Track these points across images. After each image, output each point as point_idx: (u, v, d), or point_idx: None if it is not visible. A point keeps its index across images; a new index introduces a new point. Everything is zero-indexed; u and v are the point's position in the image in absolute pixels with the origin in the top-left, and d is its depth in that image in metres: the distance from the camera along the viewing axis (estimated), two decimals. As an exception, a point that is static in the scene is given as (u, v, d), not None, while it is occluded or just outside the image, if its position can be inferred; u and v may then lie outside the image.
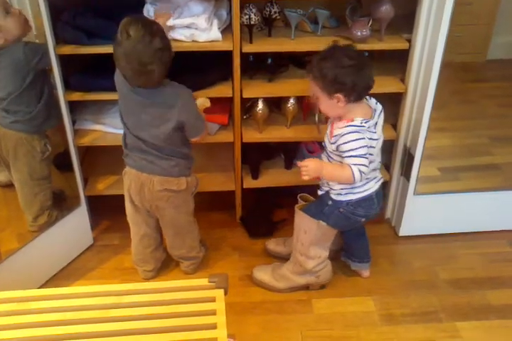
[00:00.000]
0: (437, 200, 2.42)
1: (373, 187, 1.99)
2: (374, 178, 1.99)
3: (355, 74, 1.78)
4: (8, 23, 1.90)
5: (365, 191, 1.97)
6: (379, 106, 1.93)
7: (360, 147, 1.80)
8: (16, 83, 1.97)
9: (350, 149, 1.80)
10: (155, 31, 1.77)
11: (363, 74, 1.80)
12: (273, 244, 2.38)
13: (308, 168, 1.86)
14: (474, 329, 2.06)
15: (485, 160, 2.71)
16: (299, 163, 1.89)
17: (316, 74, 1.83)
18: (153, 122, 1.91)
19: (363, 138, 1.81)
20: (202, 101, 2.11)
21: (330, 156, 1.95)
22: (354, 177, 1.81)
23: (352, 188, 1.94)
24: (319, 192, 2.05)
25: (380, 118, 1.92)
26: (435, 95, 2.12)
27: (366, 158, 1.81)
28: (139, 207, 2.10)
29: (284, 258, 2.25)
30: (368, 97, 1.93)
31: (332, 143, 1.87)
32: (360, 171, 1.81)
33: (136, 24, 1.74)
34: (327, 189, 2.00)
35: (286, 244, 2.34)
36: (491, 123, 2.89)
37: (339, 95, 1.81)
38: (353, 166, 1.80)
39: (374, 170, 1.97)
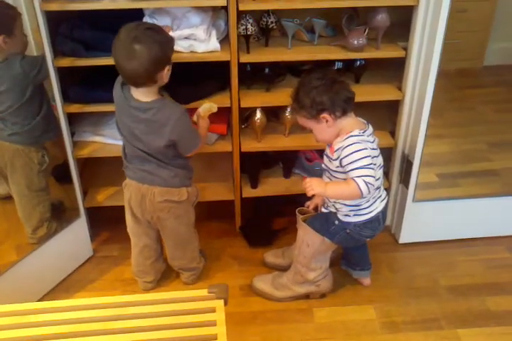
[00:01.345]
0: (436, 207, 2.42)
1: (379, 206, 1.97)
2: (378, 197, 1.97)
3: (328, 91, 1.81)
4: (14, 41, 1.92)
5: (371, 212, 1.95)
6: (371, 126, 1.92)
7: (363, 157, 1.77)
8: (16, 97, 1.97)
9: (352, 161, 1.77)
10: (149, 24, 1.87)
11: (336, 89, 1.82)
12: (271, 257, 2.37)
13: (311, 182, 1.83)
14: (475, 336, 2.06)
15: (483, 166, 2.72)
16: (303, 183, 1.86)
17: (296, 107, 1.88)
18: (146, 137, 1.91)
19: (365, 149, 1.79)
20: (208, 106, 2.08)
21: (333, 176, 1.92)
22: (361, 190, 1.74)
23: (359, 210, 1.93)
24: (323, 210, 2.05)
25: (374, 137, 1.92)
26: (432, 102, 2.13)
27: (371, 168, 1.77)
28: (139, 219, 2.10)
29: (285, 269, 2.24)
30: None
31: (334, 160, 1.85)
32: (366, 182, 1.74)
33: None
34: (334, 211, 1.99)
35: (285, 255, 2.33)
36: (488, 129, 2.90)
37: (324, 115, 1.82)
38: (356, 179, 1.75)
39: (377, 188, 1.94)
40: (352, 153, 1.78)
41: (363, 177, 1.75)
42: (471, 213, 2.45)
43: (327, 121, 1.83)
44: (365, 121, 1.92)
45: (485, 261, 2.42)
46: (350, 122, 1.86)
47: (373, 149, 1.84)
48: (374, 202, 1.95)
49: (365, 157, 1.77)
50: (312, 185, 1.82)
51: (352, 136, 1.81)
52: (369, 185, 1.75)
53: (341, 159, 1.81)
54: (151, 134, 1.90)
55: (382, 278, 2.32)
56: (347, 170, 1.79)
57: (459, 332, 2.07)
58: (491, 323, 2.11)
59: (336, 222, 1.98)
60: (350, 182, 1.76)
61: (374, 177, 1.77)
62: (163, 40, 1.80)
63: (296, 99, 1.87)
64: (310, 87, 1.82)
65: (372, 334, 2.07)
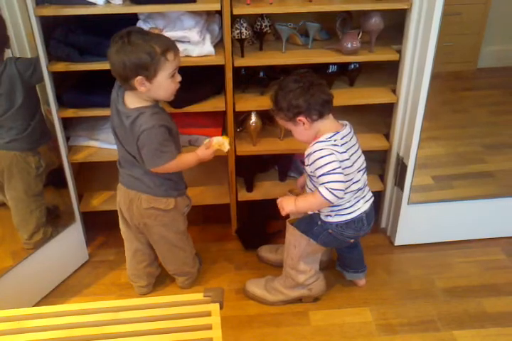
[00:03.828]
0: (431, 209, 2.42)
1: (362, 207, 1.96)
2: (362, 198, 1.96)
3: (305, 94, 1.81)
4: None
5: (353, 212, 1.95)
6: (348, 128, 1.91)
7: (328, 163, 1.78)
8: (12, 100, 1.97)
9: (318, 167, 1.79)
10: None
11: (312, 92, 1.81)
12: (265, 251, 2.41)
13: (281, 203, 1.90)
14: (471, 338, 2.06)
15: (478, 168, 2.72)
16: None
17: (274, 109, 1.88)
18: (125, 144, 1.91)
19: (331, 154, 1.79)
20: (221, 140, 1.96)
21: (311, 178, 1.93)
22: (326, 198, 1.77)
23: (340, 210, 1.93)
24: (308, 212, 2.05)
25: (353, 138, 1.91)
26: (426, 104, 2.14)
27: (337, 173, 1.78)
28: (129, 223, 2.09)
29: (274, 266, 2.30)
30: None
31: (307, 165, 1.87)
32: (329, 189, 1.77)
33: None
34: (317, 211, 1.99)
35: (278, 251, 2.35)
36: (483, 131, 2.91)
37: (301, 117, 1.83)
38: (320, 188, 1.79)
39: (360, 189, 1.93)
40: (317, 159, 1.80)
41: (325, 185, 1.78)
42: (467, 215, 2.45)
43: (304, 123, 1.84)
44: (345, 122, 1.92)
45: (481, 262, 2.42)
46: (328, 125, 1.86)
47: (343, 153, 1.83)
48: (356, 202, 1.95)
49: (330, 163, 1.78)
50: (282, 205, 1.89)
51: (318, 142, 1.83)
52: (334, 191, 1.77)
53: (309, 165, 1.83)
54: (128, 142, 1.88)
55: (378, 280, 2.33)
56: (316, 175, 1.82)
57: (455, 334, 2.07)
58: (487, 325, 2.11)
59: (319, 223, 1.98)
60: (316, 193, 1.81)
61: (342, 181, 1.79)
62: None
63: (274, 102, 1.87)
64: (287, 90, 1.83)
65: (368, 337, 2.07)
